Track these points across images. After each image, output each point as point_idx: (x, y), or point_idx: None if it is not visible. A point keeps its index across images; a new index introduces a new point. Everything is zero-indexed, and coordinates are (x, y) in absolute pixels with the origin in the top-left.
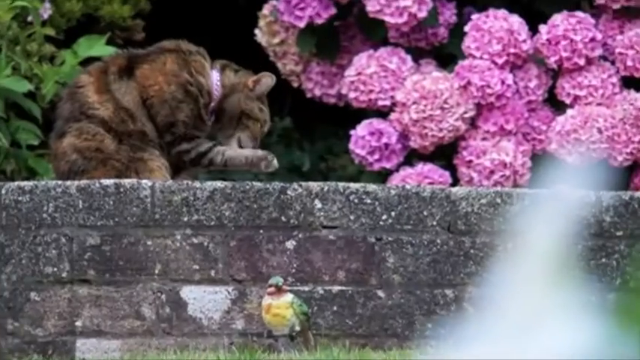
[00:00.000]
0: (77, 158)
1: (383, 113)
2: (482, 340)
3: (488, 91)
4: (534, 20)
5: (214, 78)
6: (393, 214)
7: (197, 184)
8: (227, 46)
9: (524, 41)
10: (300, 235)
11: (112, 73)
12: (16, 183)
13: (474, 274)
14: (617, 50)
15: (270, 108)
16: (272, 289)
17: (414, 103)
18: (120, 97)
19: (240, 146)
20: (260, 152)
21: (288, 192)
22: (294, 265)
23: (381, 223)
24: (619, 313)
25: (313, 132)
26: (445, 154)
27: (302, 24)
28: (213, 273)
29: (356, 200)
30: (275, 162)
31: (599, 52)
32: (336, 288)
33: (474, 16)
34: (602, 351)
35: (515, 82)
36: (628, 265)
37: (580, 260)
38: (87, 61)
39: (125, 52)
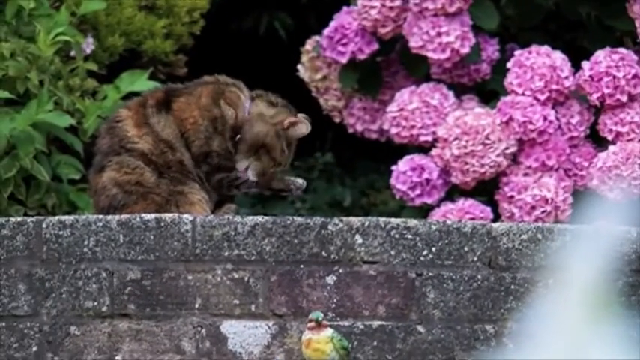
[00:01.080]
0: (117, 192)
1: (424, 149)
2: None
3: (530, 127)
4: (577, 57)
5: (246, 108)
6: (433, 249)
7: (238, 218)
8: (269, 82)
9: (567, 77)
10: (340, 270)
11: (150, 107)
12: (57, 217)
13: (514, 309)
14: None
15: (312, 143)
16: (312, 324)
17: (456, 139)
18: (159, 130)
19: (247, 170)
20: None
21: (329, 227)
22: (335, 300)
23: (422, 258)
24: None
25: (355, 167)
26: (486, 189)
27: (344, 60)
28: (253, 307)
29: (397, 235)
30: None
31: None
32: (376, 323)
33: (517, 53)
34: None
35: (557, 119)
36: None
37: (621, 296)
38: (129, 96)
39: (164, 86)
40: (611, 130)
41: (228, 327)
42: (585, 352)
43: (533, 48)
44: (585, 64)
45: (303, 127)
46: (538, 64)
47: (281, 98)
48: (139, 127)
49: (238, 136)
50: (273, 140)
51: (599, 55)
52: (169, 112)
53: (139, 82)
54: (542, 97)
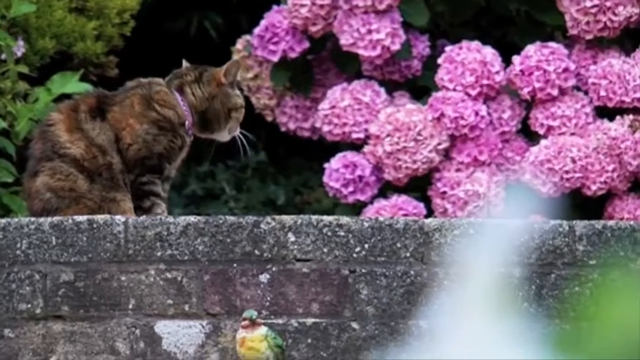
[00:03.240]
0: (51, 197)
1: (357, 146)
2: None
3: (462, 122)
4: (507, 52)
5: (179, 101)
6: (366, 246)
7: (170, 218)
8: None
9: (498, 72)
10: (273, 269)
11: (82, 112)
12: None
13: (447, 304)
14: (591, 80)
15: (242, 145)
16: (246, 323)
17: (388, 135)
18: (94, 135)
19: (229, 133)
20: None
21: (262, 225)
22: (268, 299)
23: (355, 255)
24: (560, 343)
25: (288, 166)
26: (419, 185)
27: (275, 58)
28: (187, 307)
29: (329, 233)
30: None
31: (572, 82)
32: (310, 320)
33: (447, 49)
34: None
35: (489, 114)
36: (601, 294)
37: (554, 289)
38: (60, 98)
39: (95, 92)
40: (542, 125)
41: (162, 327)
42: (486, 349)
43: (464, 44)
44: (516, 59)
45: (234, 65)
46: (469, 59)
47: (192, 66)
48: (71, 131)
49: (188, 123)
50: (230, 99)
51: (530, 49)
52: (104, 120)
53: (71, 84)
54: (473, 93)
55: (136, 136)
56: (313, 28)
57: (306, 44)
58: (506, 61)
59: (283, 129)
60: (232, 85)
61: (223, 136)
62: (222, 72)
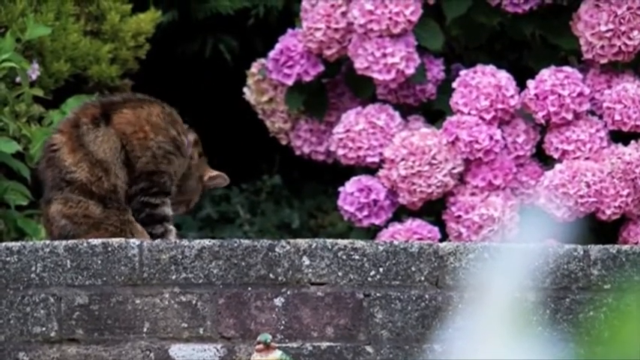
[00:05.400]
0: (66, 224)
1: (371, 170)
2: None
3: (477, 146)
4: (522, 76)
5: (189, 150)
6: (381, 269)
7: (185, 242)
8: (215, 105)
9: (512, 97)
10: (288, 292)
11: (84, 124)
12: (4, 244)
13: (462, 328)
14: (605, 104)
15: (259, 166)
16: (260, 347)
17: (403, 159)
18: (94, 149)
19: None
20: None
21: (276, 249)
22: (283, 322)
23: (370, 279)
24: None
25: (302, 189)
26: (434, 209)
27: (290, 82)
28: (201, 331)
29: (344, 257)
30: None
31: (586, 106)
32: (324, 344)
33: (462, 72)
34: None
35: (504, 138)
36: (616, 318)
37: (568, 314)
38: None
39: (96, 101)
40: (557, 149)
41: (176, 350)
42: None
43: (479, 68)
44: (530, 83)
45: (222, 181)
46: (483, 83)
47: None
48: (74, 152)
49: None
50: (196, 190)
51: (545, 73)
52: (109, 125)
53: None
54: (487, 117)
55: (147, 148)
56: (328, 52)
57: (321, 68)
58: (521, 85)
59: (298, 152)
60: (204, 188)
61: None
62: (212, 174)
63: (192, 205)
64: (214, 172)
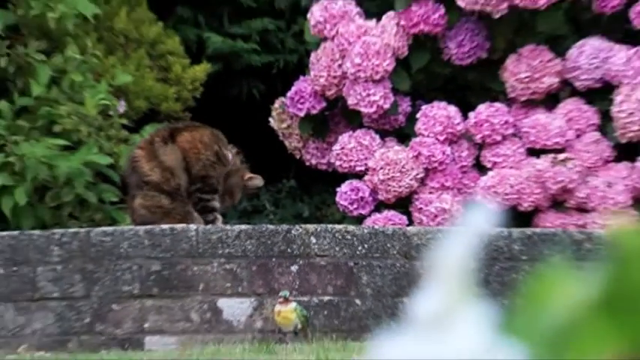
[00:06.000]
0: (145, 213)
1: (359, 176)
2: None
3: (433, 159)
4: (466, 109)
5: (230, 156)
6: (366, 246)
7: (228, 226)
8: (250, 130)
9: (458, 124)
10: (300, 262)
11: (157, 142)
12: (101, 228)
13: (424, 286)
14: (524, 129)
15: (279, 174)
16: (281, 300)
17: (381, 168)
18: (164, 158)
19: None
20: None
21: (292, 232)
22: (297, 283)
23: (357, 252)
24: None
25: (311, 190)
26: (403, 203)
27: (302, 114)
28: (240, 289)
29: (340, 237)
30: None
31: (511, 130)
32: (326, 298)
33: (423, 107)
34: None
35: (452, 153)
36: (530, 280)
37: (497, 277)
38: None
39: (165, 126)
40: (490, 161)
41: (222, 303)
42: (454, 319)
43: (435, 103)
44: (471, 114)
45: (258, 181)
46: (438, 114)
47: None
48: (150, 161)
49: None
50: (238, 191)
51: (481, 107)
52: (174, 142)
53: None
54: (441, 138)
55: (199, 159)
56: (329, 92)
57: (324, 104)
58: (465, 115)
59: (307, 163)
60: (245, 189)
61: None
62: (250, 175)
63: (237, 199)
64: (252, 175)
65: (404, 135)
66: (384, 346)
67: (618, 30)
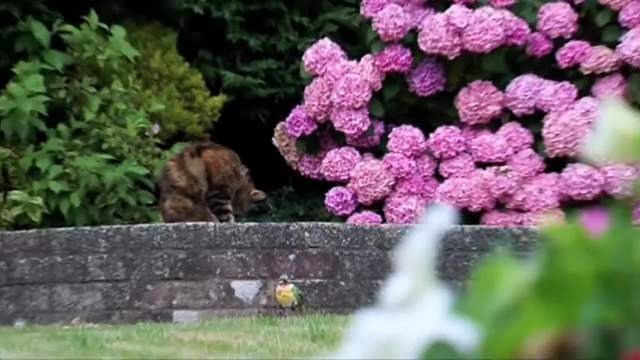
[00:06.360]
0: (173, 213)
1: (343, 183)
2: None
3: (402, 170)
4: (427, 130)
5: (243, 176)
6: (348, 239)
7: (239, 224)
8: (257, 146)
9: (421, 143)
10: (297, 252)
11: (185, 157)
12: (139, 225)
13: (394, 271)
14: (473, 147)
15: (280, 182)
16: (281, 282)
17: (360, 177)
18: (191, 169)
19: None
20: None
21: (290, 227)
22: (294, 268)
23: (342, 244)
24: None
25: (305, 194)
26: (378, 205)
27: (298, 134)
28: (248, 273)
29: (328, 232)
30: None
31: (463, 148)
32: (317, 280)
33: (394, 129)
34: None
35: (416, 165)
36: (479, 266)
37: (453, 264)
38: None
39: (193, 144)
40: (446, 172)
41: (235, 284)
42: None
43: (403, 126)
44: (432, 135)
45: (260, 196)
46: (406, 135)
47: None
48: (179, 171)
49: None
50: (246, 201)
51: (439, 129)
52: (200, 157)
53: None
54: (408, 154)
55: (219, 172)
56: (319, 118)
57: (315, 126)
58: (427, 136)
59: (302, 174)
60: (250, 201)
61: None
62: (255, 191)
63: (245, 208)
64: (257, 191)
65: (378, 151)
66: (364, 320)
67: (547, 69)
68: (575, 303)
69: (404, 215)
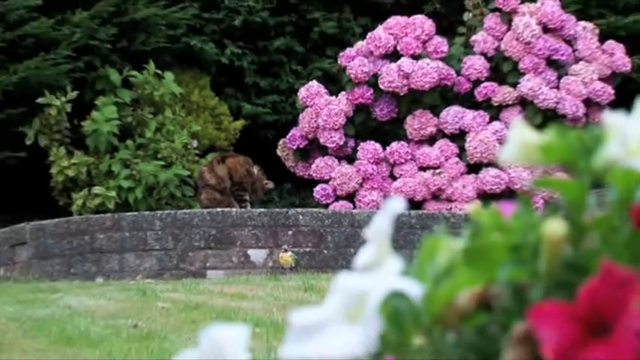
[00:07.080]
0: (207, 202)
1: (326, 181)
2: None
3: (367, 172)
4: (385, 144)
5: (255, 172)
6: (329, 220)
7: (254, 209)
8: (265, 154)
9: (381, 153)
10: (294, 229)
11: (214, 163)
12: (183, 210)
13: (363, 243)
14: (417, 156)
15: (281, 181)
16: (283, 250)
17: (338, 177)
18: (218, 171)
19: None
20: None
21: (289, 212)
22: (292, 241)
23: (325, 223)
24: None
25: (300, 189)
26: (350, 197)
27: (294, 147)
28: (260, 244)
29: (315, 215)
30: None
31: (409, 157)
32: (307, 249)
33: (361, 144)
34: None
35: (377, 169)
36: (421, 241)
37: (403, 240)
38: None
39: (219, 154)
40: (398, 174)
41: (251, 252)
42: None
43: (368, 142)
44: (388, 148)
45: (270, 185)
46: (369, 148)
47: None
48: (210, 172)
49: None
50: (260, 190)
51: (393, 144)
52: (224, 163)
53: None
54: (371, 161)
55: (237, 172)
56: (309, 136)
57: (307, 142)
58: (384, 148)
59: (298, 175)
60: (263, 188)
61: (247, 197)
62: (266, 182)
63: (260, 194)
64: (267, 181)
65: (351, 159)
66: (342, 277)
67: (468, 101)
68: (493, 267)
69: (369, 204)
